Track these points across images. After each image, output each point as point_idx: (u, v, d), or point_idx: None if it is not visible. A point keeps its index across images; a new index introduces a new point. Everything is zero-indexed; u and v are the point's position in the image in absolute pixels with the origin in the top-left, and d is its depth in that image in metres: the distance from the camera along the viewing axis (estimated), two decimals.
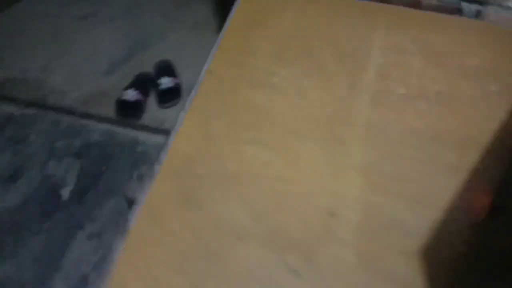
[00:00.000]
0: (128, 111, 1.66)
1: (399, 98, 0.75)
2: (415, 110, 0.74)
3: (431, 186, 0.65)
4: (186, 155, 0.68)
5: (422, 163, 0.68)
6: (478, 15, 0.97)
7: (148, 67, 1.82)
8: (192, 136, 0.71)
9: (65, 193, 1.44)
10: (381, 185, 0.65)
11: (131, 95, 1.67)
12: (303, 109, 0.74)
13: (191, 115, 0.74)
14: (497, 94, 0.76)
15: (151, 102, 1.74)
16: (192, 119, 0.73)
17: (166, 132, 1.66)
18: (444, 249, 0.59)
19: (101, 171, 1.50)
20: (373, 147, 0.69)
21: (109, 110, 1.67)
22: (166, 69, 1.79)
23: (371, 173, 0.66)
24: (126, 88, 1.71)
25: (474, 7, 0.96)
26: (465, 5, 0.97)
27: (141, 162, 1.54)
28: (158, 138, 1.63)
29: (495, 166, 0.66)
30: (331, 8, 0.91)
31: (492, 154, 0.68)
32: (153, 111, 1.71)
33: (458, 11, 0.98)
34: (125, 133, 1.62)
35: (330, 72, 0.79)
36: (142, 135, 1.62)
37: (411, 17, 0.90)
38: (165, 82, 1.72)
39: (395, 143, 0.70)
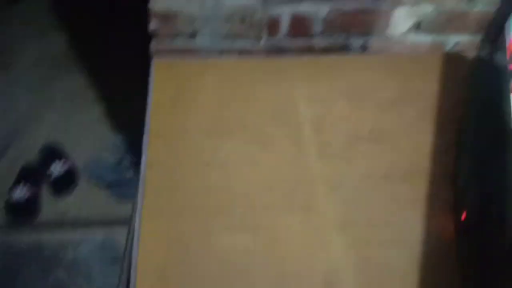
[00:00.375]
0: (21, 213, 1.45)
1: (341, 146, 0.78)
2: (360, 154, 0.77)
3: (401, 224, 0.68)
4: (158, 269, 0.61)
5: (385, 203, 0.70)
6: (364, 47, 1.06)
7: (31, 156, 1.62)
8: (157, 243, 0.63)
9: None
10: (361, 238, 0.66)
11: (20, 193, 1.46)
12: (259, 181, 0.72)
13: (147, 216, 0.66)
14: (417, 119, 0.84)
15: (45, 194, 1.54)
16: (149, 221, 0.66)
17: (72, 224, 1.48)
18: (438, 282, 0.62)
19: None
20: (339, 201, 0.70)
21: None
22: (54, 153, 1.61)
23: (347, 228, 0.67)
24: (12, 186, 1.49)
25: (359, 41, 1.05)
26: (352, 41, 1.05)
27: (53, 267, 1.35)
28: (65, 234, 1.45)
29: (444, 188, 0.72)
30: (246, 72, 0.91)
31: (436, 178, 0.74)
32: (50, 204, 1.52)
33: (347, 47, 1.06)
34: (23, 238, 1.41)
35: (270, 137, 0.79)
36: (45, 236, 1.42)
37: (319, 65, 0.95)
38: (56, 168, 1.55)
39: (356, 191, 0.72)
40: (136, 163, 1.57)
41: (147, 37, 0.95)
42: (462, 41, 1.05)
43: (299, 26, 0.99)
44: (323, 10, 0.97)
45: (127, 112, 1.72)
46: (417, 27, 1.02)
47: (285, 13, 0.96)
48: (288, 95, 0.86)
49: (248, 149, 0.76)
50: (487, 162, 0.68)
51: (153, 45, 0.92)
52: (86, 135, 1.72)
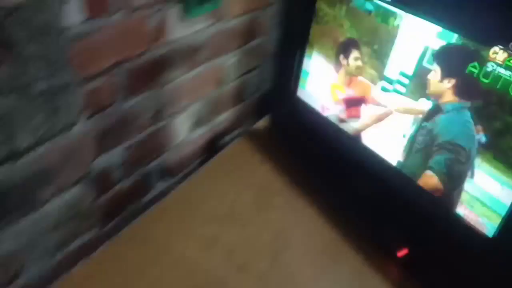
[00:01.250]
0: None
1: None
2: None
3: None
4: None
5: None
6: (163, 168, 1.02)
7: None
8: None
9: None
10: None
11: None
12: None
13: None
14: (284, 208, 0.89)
15: None
16: None
17: None
18: None
19: None
20: None
21: None
22: None
23: None
24: None
25: (158, 167, 1.00)
26: (151, 169, 0.99)
27: None
28: None
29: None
30: (116, 261, 0.72)
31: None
32: None
33: (149, 179, 0.99)
34: None
35: None
36: None
37: (177, 201, 0.87)
38: None
39: None
40: None
41: None
42: (225, 117, 1.15)
43: (103, 182, 0.85)
44: (117, 155, 0.86)
45: None
46: (196, 124, 1.05)
47: None
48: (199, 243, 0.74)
49: None
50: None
51: None
52: None
